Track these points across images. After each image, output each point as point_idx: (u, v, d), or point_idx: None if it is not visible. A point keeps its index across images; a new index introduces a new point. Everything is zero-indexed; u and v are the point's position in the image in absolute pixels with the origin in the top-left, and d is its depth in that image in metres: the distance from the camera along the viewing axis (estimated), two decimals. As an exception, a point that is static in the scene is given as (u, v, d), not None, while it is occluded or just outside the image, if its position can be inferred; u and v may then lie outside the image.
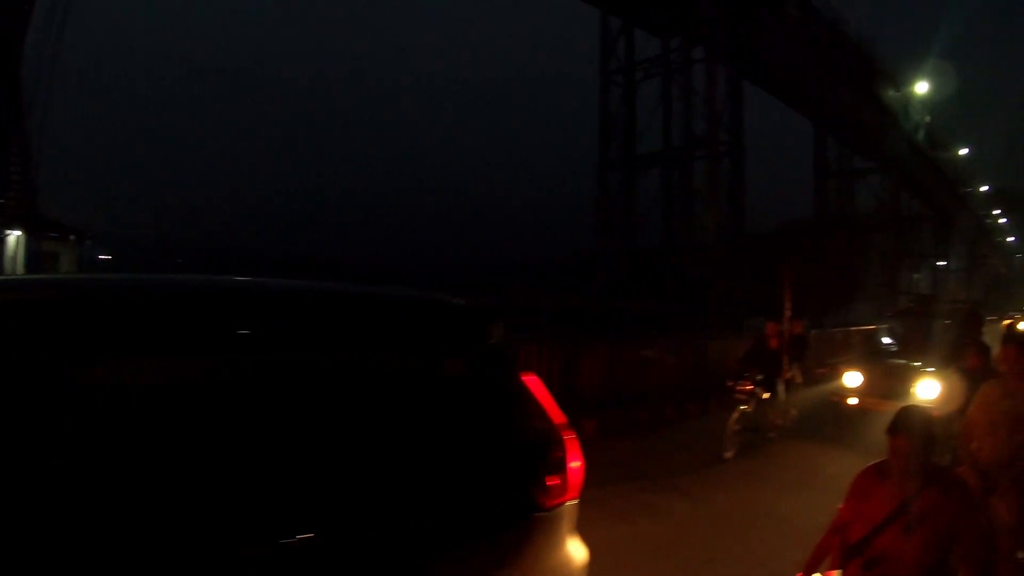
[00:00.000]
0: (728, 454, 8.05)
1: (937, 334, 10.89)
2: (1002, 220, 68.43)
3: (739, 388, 8.46)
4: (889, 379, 9.89)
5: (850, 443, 8.58)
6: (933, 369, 9.35)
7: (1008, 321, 19.46)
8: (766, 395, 8.82)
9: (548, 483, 2.44)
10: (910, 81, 37.62)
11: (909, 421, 2.54)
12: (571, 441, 2.57)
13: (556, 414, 2.57)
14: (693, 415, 11.09)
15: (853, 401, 10.08)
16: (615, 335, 14.64)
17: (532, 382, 2.58)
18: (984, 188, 56.94)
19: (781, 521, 5.97)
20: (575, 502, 2.58)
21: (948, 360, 8.91)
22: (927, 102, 40.16)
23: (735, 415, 8.23)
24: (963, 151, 49.30)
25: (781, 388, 9.23)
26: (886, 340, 12.29)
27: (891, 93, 35.08)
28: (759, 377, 8.63)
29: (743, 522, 5.95)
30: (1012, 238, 75.68)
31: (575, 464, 2.56)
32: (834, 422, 10.03)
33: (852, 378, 10.24)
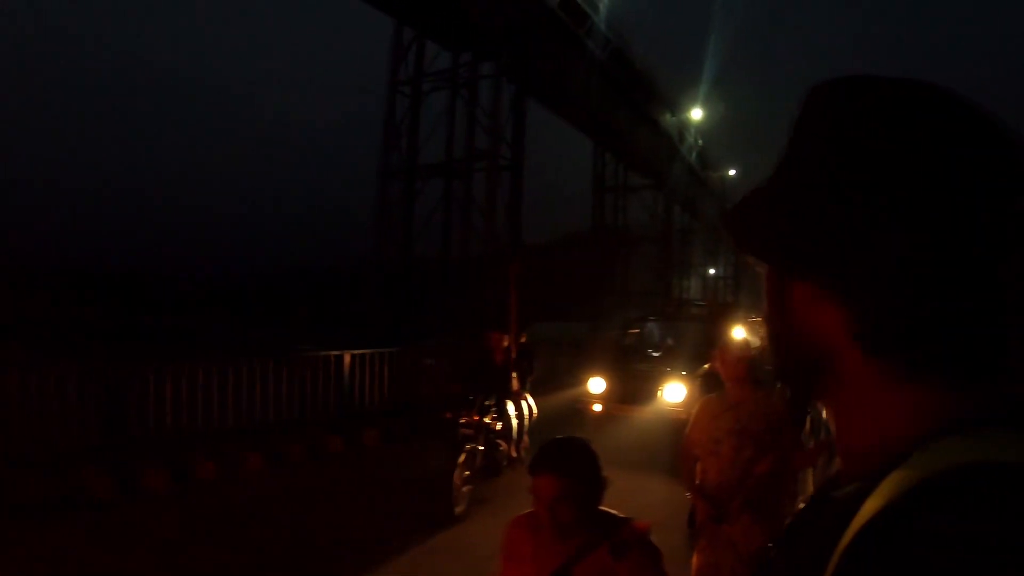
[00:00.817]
0: (460, 508, 6.26)
1: (688, 336, 10.81)
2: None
3: (465, 421, 6.75)
4: (635, 384, 9.47)
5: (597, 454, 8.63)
6: (684, 372, 9.16)
7: (756, 319, 19.27)
8: (498, 425, 7.41)
9: None
10: (686, 107, 41.37)
11: (558, 456, 1.93)
12: None
13: None
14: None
15: (597, 408, 9.58)
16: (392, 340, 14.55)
17: None
18: (750, 205, 63.67)
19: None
20: None
21: (695, 362, 8.94)
22: (700, 127, 44.37)
23: (462, 458, 6.38)
24: (731, 172, 55.14)
25: (512, 412, 7.76)
26: (637, 343, 12.06)
27: (668, 118, 38.30)
28: (489, 403, 7.14)
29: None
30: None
31: None
32: (578, 431, 9.48)
33: (596, 384, 9.74)
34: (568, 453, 1.96)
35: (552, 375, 14.29)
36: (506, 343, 7.81)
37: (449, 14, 21.72)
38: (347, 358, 10.42)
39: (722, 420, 3.48)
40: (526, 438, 8.15)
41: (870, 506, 0.55)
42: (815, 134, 0.65)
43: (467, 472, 6.45)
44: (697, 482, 3.58)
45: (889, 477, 0.56)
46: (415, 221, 22.93)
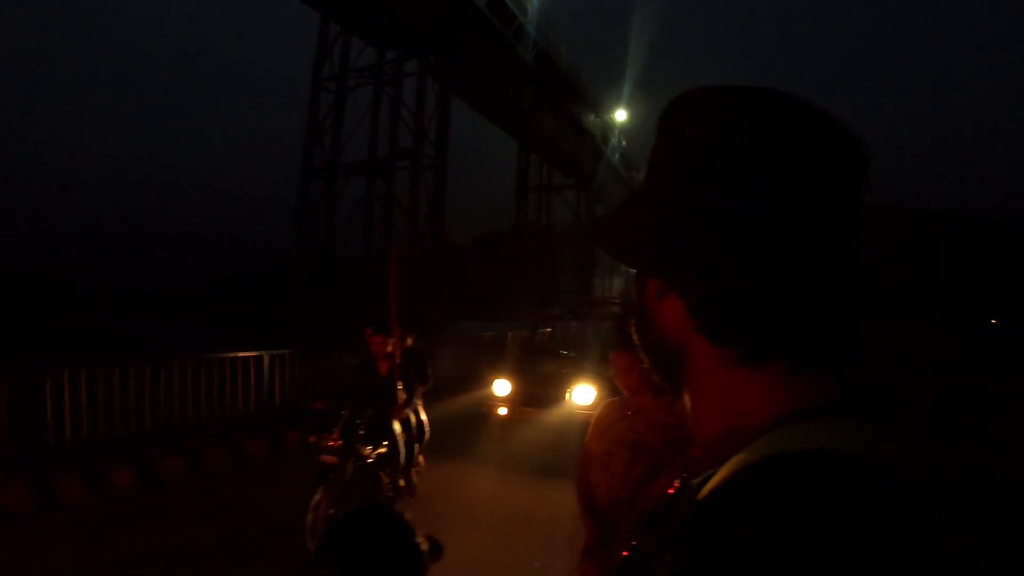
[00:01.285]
0: None
1: (602, 335, 10.28)
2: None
3: (327, 445, 5.48)
4: (543, 385, 9.10)
5: (501, 460, 8.01)
6: (595, 373, 8.70)
7: None
8: (381, 449, 6.07)
9: None
10: (611, 109, 42.26)
11: (343, 554, 1.37)
12: None
13: None
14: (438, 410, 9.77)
15: (503, 411, 9.19)
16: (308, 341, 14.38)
17: None
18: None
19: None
20: None
21: (607, 363, 9.14)
22: (624, 129, 45.39)
23: (317, 495, 5.27)
24: (653, 173, 56.50)
25: (400, 432, 6.37)
26: (548, 343, 11.72)
27: (593, 119, 39.04)
28: (360, 421, 5.85)
29: None
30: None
31: None
32: (484, 436, 9.12)
33: (501, 386, 9.31)
34: (359, 551, 1.39)
35: (473, 375, 14.42)
36: (389, 347, 6.45)
37: (375, 10, 21.67)
38: (266, 359, 10.40)
39: (617, 429, 2.97)
40: (421, 460, 7.07)
41: (705, 492, 0.58)
42: (660, 142, 0.70)
43: (331, 511, 5.29)
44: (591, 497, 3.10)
45: (727, 464, 0.58)
46: (337, 220, 22.83)
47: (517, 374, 9.46)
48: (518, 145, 36.67)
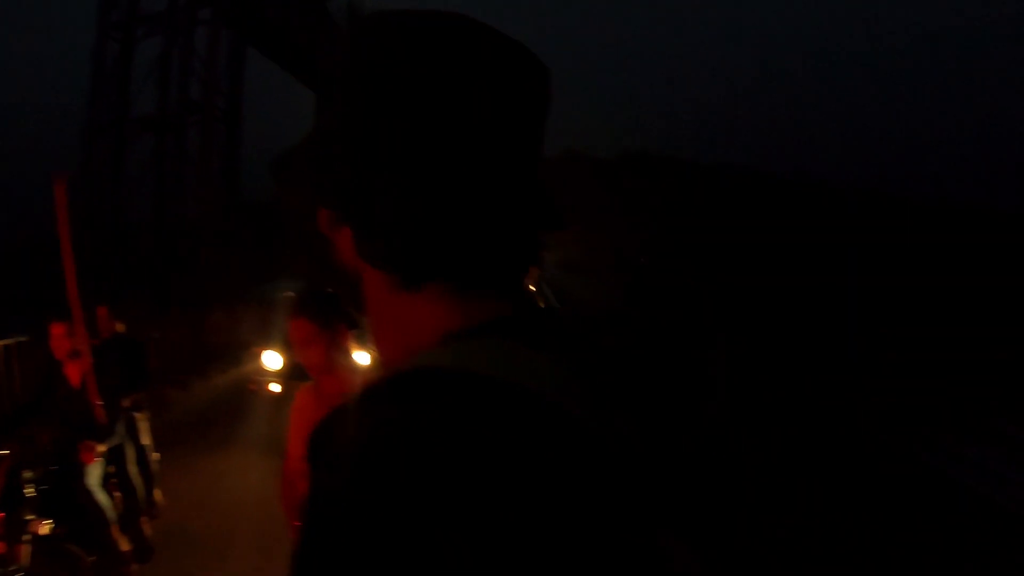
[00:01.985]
0: None
1: None
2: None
3: None
4: None
5: (273, 449, 6.23)
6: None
7: None
8: (46, 523, 3.80)
9: None
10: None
11: None
12: None
13: None
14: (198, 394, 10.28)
15: (276, 388, 8.25)
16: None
17: None
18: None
19: None
20: None
21: None
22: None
23: None
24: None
25: (95, 472, 4.24)
26: None
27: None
28: (32, 472, 3.83)
29: None
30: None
31: None
32: (252, 420, 8.18)
33: (271, 358, 8.38)
34: None
35: (254, 343, 13.80)
36: (70, 344, 4.31)
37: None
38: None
39: (313, 422, 1.91)
40: (158, 497, 5.36)
41: None
42: (332, 70, 0.67)
43: None
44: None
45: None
46: (126, 181, 21.94)
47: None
48: (316, 98, 36.11)
